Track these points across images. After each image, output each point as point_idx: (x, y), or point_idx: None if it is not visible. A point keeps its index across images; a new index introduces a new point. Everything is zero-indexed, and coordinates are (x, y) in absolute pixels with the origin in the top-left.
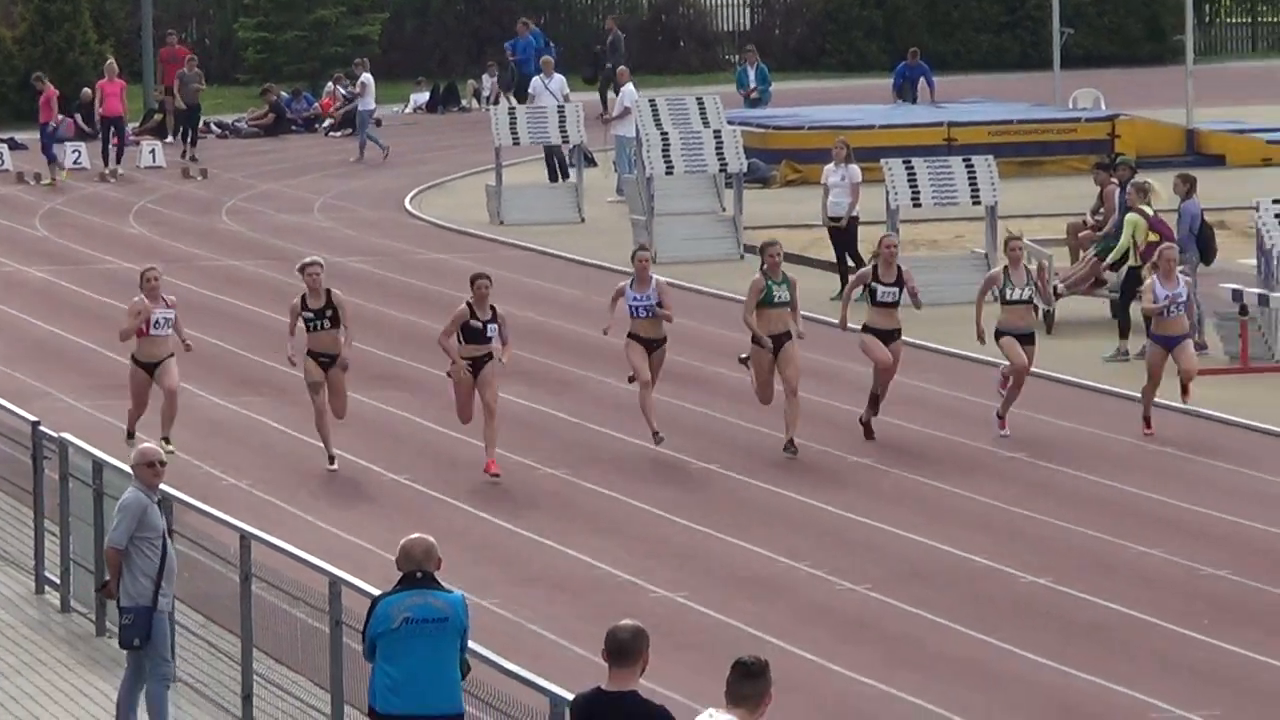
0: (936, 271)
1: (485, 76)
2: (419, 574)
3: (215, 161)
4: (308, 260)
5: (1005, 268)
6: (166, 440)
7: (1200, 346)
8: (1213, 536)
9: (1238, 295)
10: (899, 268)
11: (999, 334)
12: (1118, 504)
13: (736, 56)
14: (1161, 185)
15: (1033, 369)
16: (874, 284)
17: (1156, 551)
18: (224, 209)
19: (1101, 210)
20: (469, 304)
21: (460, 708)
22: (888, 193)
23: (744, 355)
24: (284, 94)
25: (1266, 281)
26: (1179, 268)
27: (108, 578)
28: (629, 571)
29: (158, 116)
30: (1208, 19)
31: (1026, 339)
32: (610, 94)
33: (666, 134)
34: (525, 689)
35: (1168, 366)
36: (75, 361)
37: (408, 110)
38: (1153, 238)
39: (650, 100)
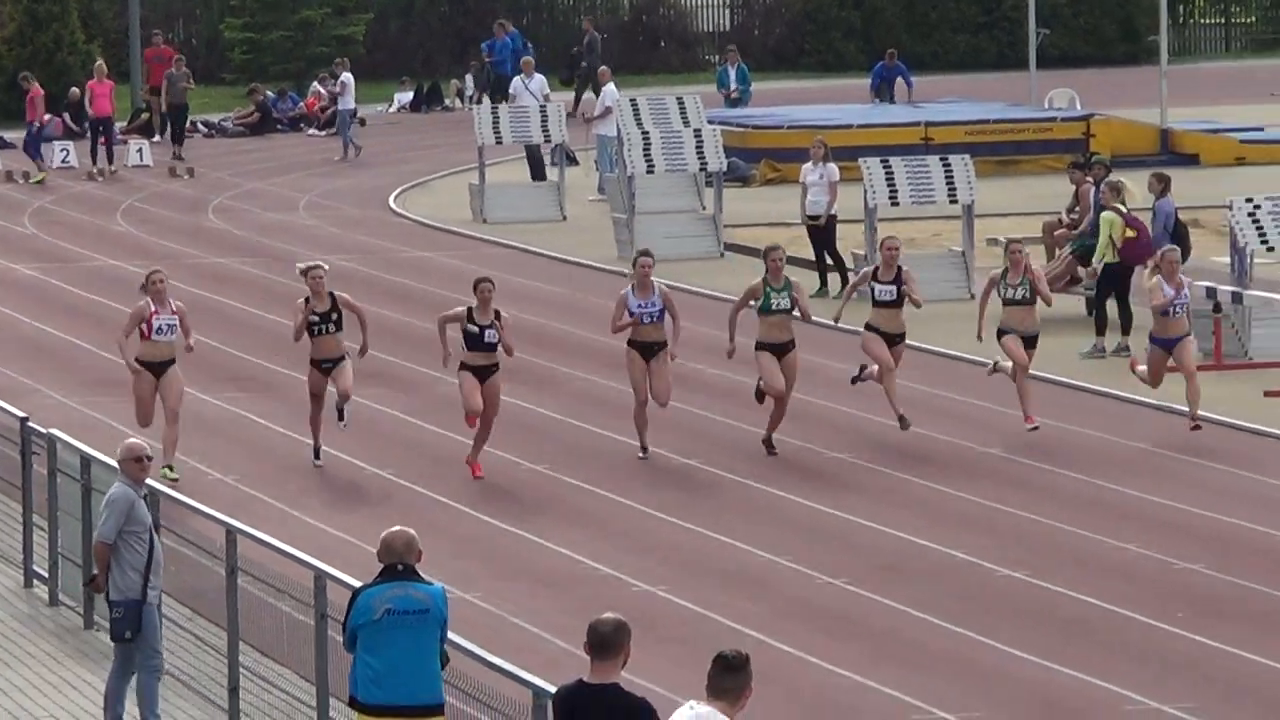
0: (914, 270)
1: (468, 76)
2: (400, 566)
3: (201, 160)
4: (311, 264)
5: (1005, 269)
6: (170, 469)
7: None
8: (1187, 531)
9: (1211, 293)
10: (899, 268)
11: (1000, 333)
12: (1093, 499)
13: (717, 57)
14: (1136, 184)
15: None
16: (874, 283)
17: (1132, 546)
18: (210, 207)
19: (1077, 209)
20: (470, 308)
21: (440, 698)
22: (866, 192)
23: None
24: (270, 94)
25: (1240, 279)
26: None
27: (96, 572)
28: (611, 566)
29: (144, 116)
30: (1182, 20)
31: (1028, 341)
32: (589, 94)
33: (647, 133)
34: (508, 681)
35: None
36: (63, 358)
37: (392, 110)
38: (1130, 234)
39: (631, 100)
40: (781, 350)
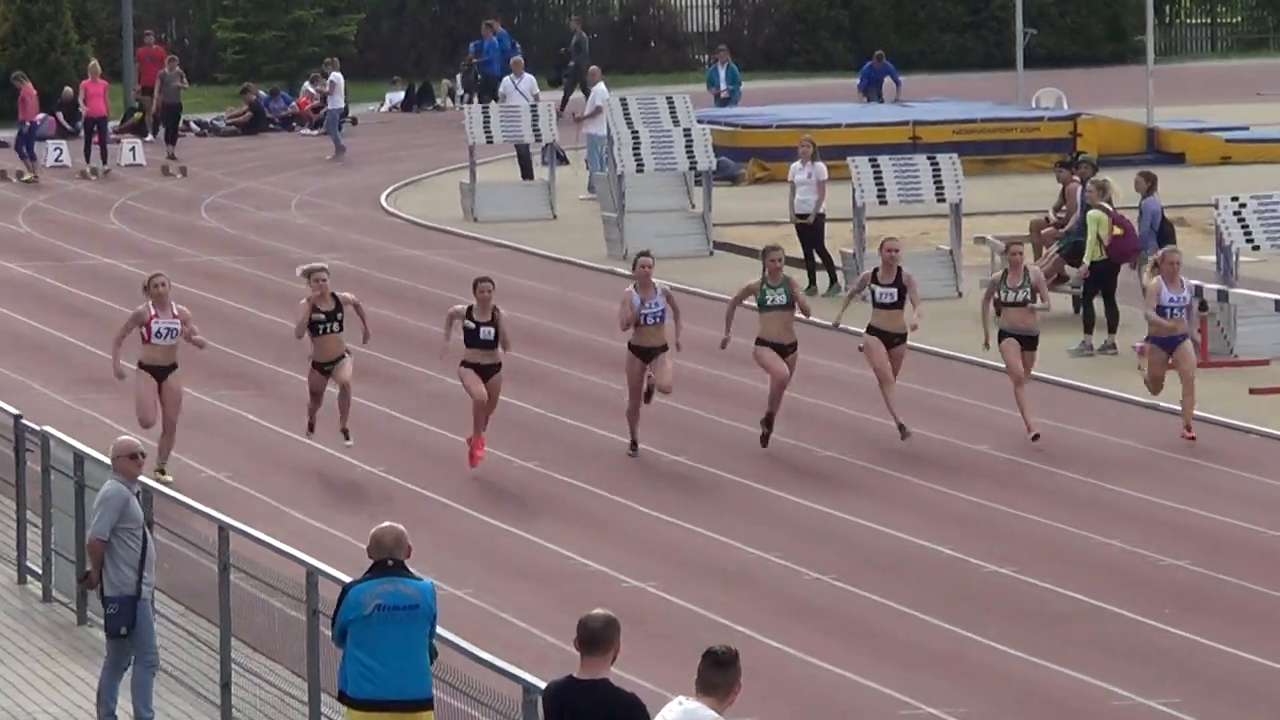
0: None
1: (460, 76)
2: (390, 562)
3: (194, 159)
4: (315, 265)
5: (1005, 271)
6: (162, 471)
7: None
8: (1173, 528)
9: (1198, 291)
10: (899, 270)
11: (1001, 335)
12: (1080, 496)
13: (706, 56)
14: (1122, 184)
15: (1001, 366)
16: (874, 285)
17: (1117, 542)
18: (203, 206)
19: (1064, 208)
20: (470, 306)
21: (430, 693)
22: (854, 190)
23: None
24: (262, 93)
25: (1225, 278)
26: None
27: (89, 568)
28: (601, 562)
29: (137, 115)
30: (1168, 20)
31: (1028, 342)
32: (577, 93)
33: (637, 132)
34: (498, 677)
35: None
36: (57, 356)
37: (384, 109)
38: (1117, 232)
39: (621, 99)
40: (781, 351)
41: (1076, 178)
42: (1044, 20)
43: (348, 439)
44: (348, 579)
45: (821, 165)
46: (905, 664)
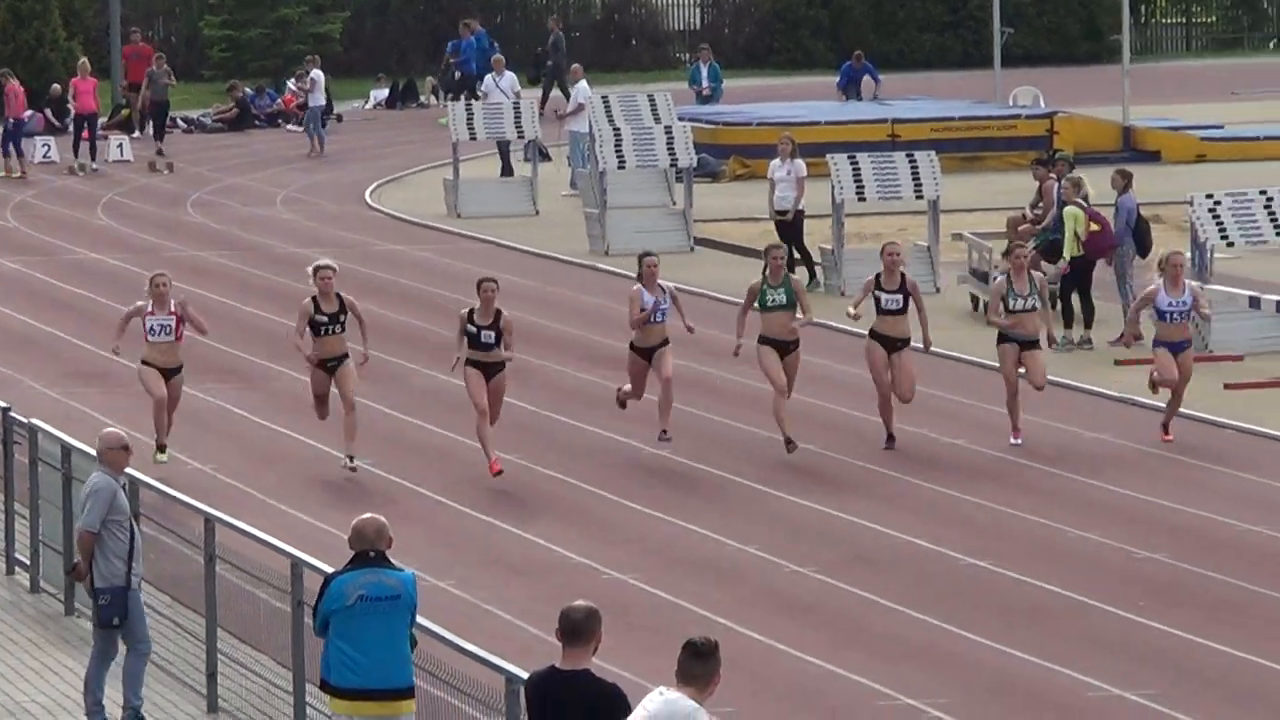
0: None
1: (439, 76)
2: (372, 553)
3: (181, 156)
4: (321, 263)
5: (1008, 275)
6: (163, 449)
7: (1136, 338)
8: (1148, 521)
9: None
10: (902, 275)
11: (1001, 338)
12: (1056, 490)
13: (687, 55)
14: (1098, 181)
15: (981, 360)
16: (878, 291)
17: (1093, 535)
18: (190, 202)
19: (1040, 204)
20: (472, 309)
21: (411, 681)
22: (833, 187)
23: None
24: (248, 90)
25: (1200, 274)
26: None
27: (77, 559)
28: (582, 554)
29: (125, 112)
30: (1143, 19)
31: (1030, 344)
32: (556, 92)
33: (619, 130)
34: (481, 667)
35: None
36: (45, 349)
37: (368, 106)
38: (1094, 228)
39: (603, 97)
40: (783, 348)
41: (1053, 175)
42: (1021, 20)
43: (351, 462)
44: (331, 570)
45: (801, 162)
46: (884, 656)
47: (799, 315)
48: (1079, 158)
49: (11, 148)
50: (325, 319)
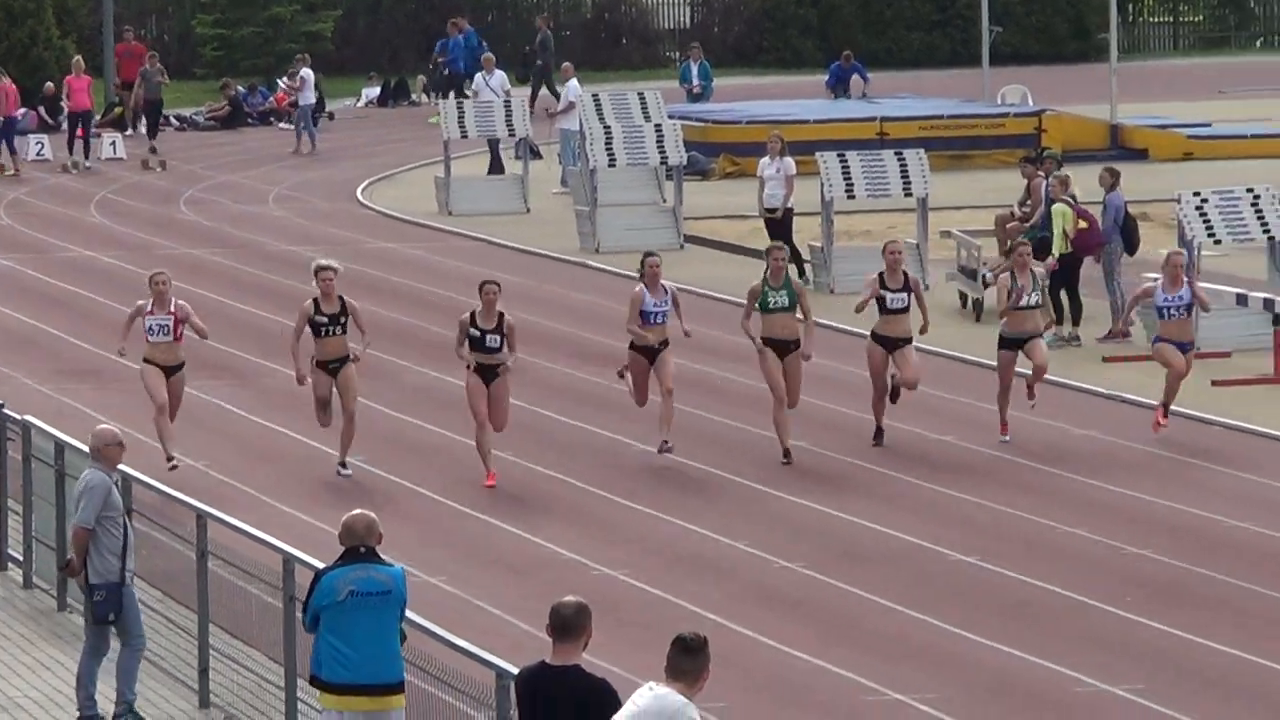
0: (869, 261)
1: (428, 76)
2: (362, 549)
3: (174, 153)
4: (322, 263)
5: (1012, 272)
6: (170, 459)
7: (1124, 334)
8: (1136, 517)
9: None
10: (905, 274)
11: (1001, 340)
12: (1043, 486)
13: (677, 53)
14: (1086, 179)
15: (969, 357)
16: (883, 291)
17: (1082, 531)
18: (182, 199)
19: (1028, 202)
20: (473, 311)
21: (402, 676)
22: (822, 185)
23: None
24: (240, 88)
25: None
26: (1110, 266)
27: (71, 555)
28: (573, 550)
29: (117, 110)
30: (1131, 18)
31: (1031, 338)
32: (544, 91)
33: (609, 128)
34: (472, 663)
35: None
36: (38, 346)
37: (360, 104)
38: (1082, 225)
39: (594, 95)
40: (784, 348)
41: (1041, 173)
42: (1009, 18)
43: (345, 469)
44: (322, 566)
45: (790, 160)
46: (873, 651)
47: (798, 316)
48: (1067, 156)
49: (4, 145)
50: (325, 319)
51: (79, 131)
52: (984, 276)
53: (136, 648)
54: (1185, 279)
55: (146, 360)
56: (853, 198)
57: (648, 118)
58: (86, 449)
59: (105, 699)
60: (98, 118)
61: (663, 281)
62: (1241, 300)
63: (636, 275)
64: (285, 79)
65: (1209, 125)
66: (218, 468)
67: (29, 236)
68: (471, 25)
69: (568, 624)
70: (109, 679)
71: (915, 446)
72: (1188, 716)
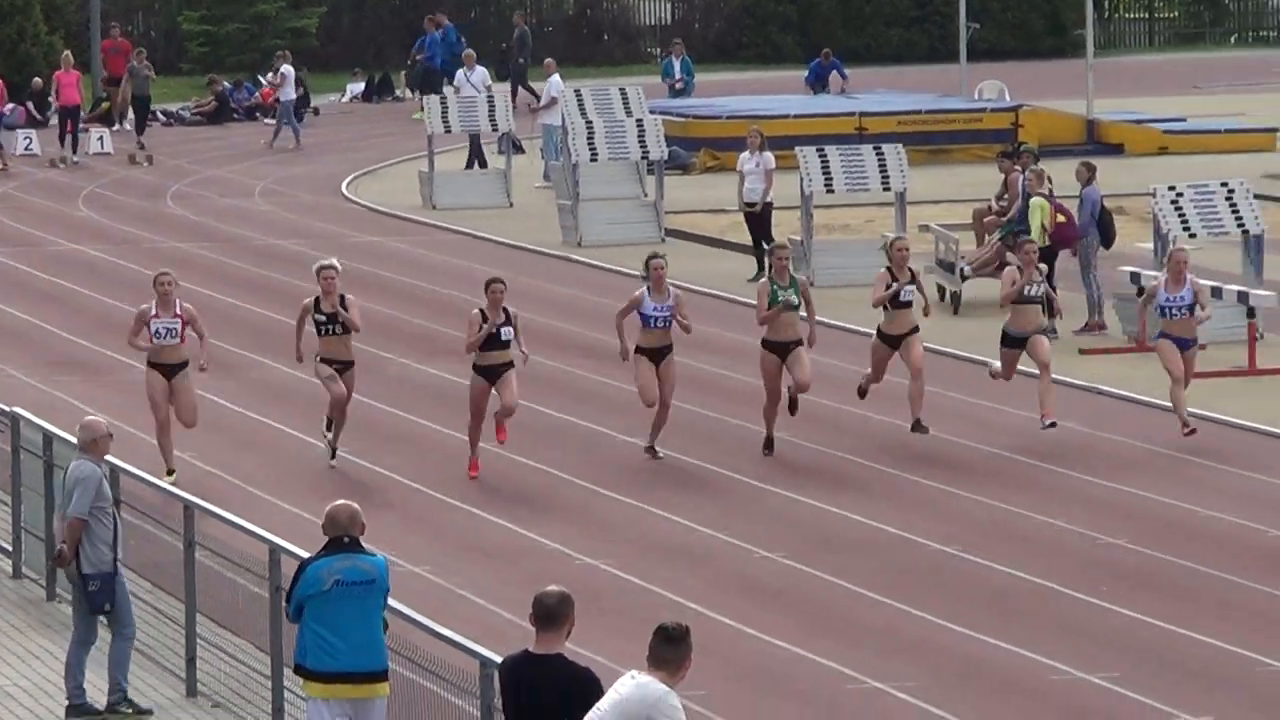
0: (848, 255)
1: (406, 72)
2: (346, 539)
3: (161, 148)
4: (323, 263)
5: (1018, 266)
6: (170, 473)
7: (1100, 327)
8: (1111, 508)
9: (1135, 277)
10: (911, 270)
11: (1005, 336)
12: (1019, 477)
13: (658, 49)
14: (1063, 174)
15: (950, 350)
16: (893, 285)
17: (1058, 521)
18: (169, 194)
19: (1006, 196)
20: (482, 310)
21: (386, 664)
22: (802, 179)
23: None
24: (227, 84)
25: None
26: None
27: (62, 546)
28: (555, 540)
29: (105, 105)
30: (1107, 14)
31: (1033, 334)
32: (523, 92)
33: (591, 123)
34: (456, 652)
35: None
36: (27, 339)
37: (344, 100)
38: (1060, 219)
39: (576, 91)
40: (786, 349)
41: (1018, 168)
42: (986, 15)
43: (333, 457)
44: (307, 556)
45: (769, 155)
46: (851, 639)
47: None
48: (1043, 150)
49: None
50: (324, 318)
51: (68, 127)
52: (962, 270)
53: (128, 636)
54: (1188, 278)
55: (151, 364)
56: (832, 192)
57: (629, 113)
58: (74, 440)
59: (93, 687)
60: (85, 113)
61: (669, 284)
62: (1216, 293)
63: (641, 276)
64: (270, 74)
65: (1184, 120)
66: (205, 459)
67: (17, 231)
68: (454, 22)
69: (551, 613)
70: (96, 668)
71: (893, 438)
72: (1164, 704)
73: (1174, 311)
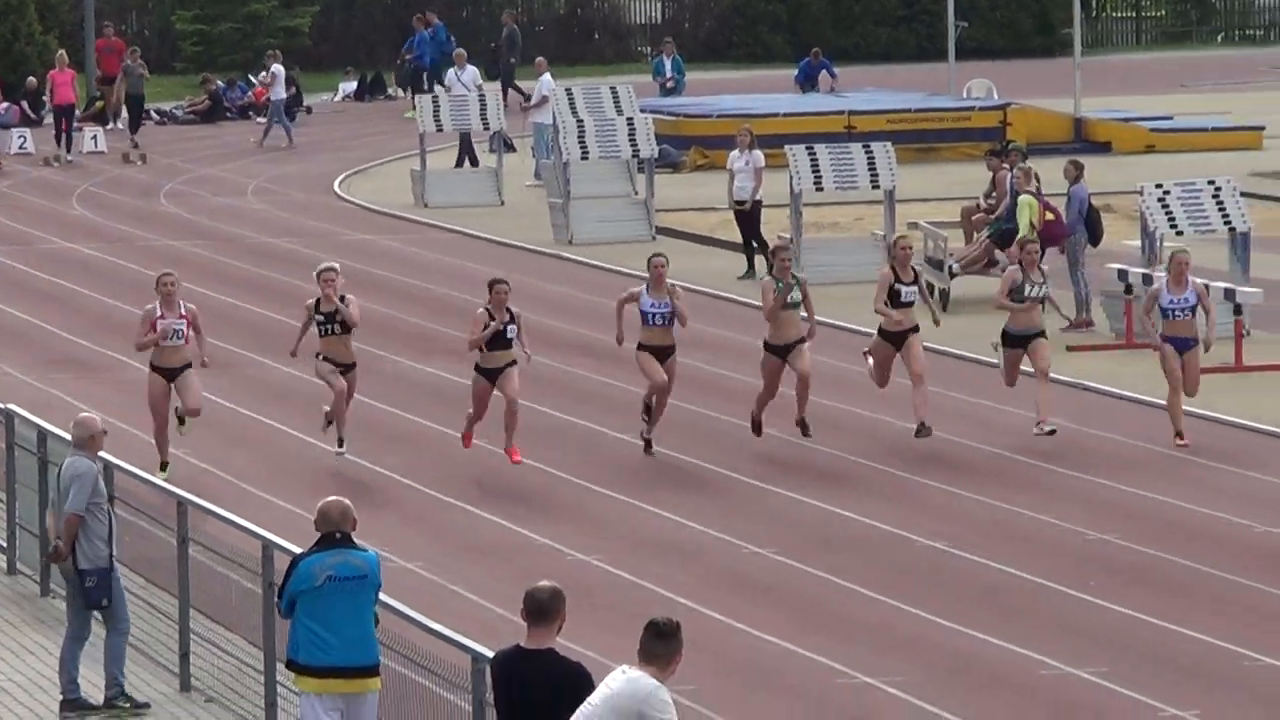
0: (837, 253)
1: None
2: (338, 534)
3: (154, 147)
4: (324, 266)
5: (1021, 265)
6: (164, 466)
7: (1087, 324)
8: (1100, 504)
9: (1123, 275)
10: (914, 269)
11: (1006, 336)
12: (1008, 474)
13: (649, 48)
14: (1051, 172)
15: (933, 347)
16: (897, 285)
17: (1047, 518)
18: (162, 192)
19: (994, 194)
20: (486, 309)
21: (377, 659)
22: (791, 177)
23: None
24: (220, 83)
25: (1150, 262)
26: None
27: (57, 542)
28: (547, 536)
29: (98, 104)
30: (1094, 13)
31: (1035, 335)
32: (513, 93)
33: (582, 121)
34: (448, 647)
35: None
36: (21, 337)
37: (337, 99)
38: (1049, 217)
39: (567, 89)
40: (786, 350)
41: (1006, 166)
42: (975, 14)
43: (340, 445)
44: (300, 551)
45: (759, 153)
46: (841, 634)
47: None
48: (1031, 149)
49: None
50: (323, 318)
51: (63, 126)
52: (950, 267)
53: (123, 631)
54: (1189, 279)
55: (154, 367)
56: (821, 190)
57: (620, 111)
58: (69, 437)
59: (87, 682)
60: (79, 112)
61: (669, 282)
62: None
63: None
64: (263, 74)
65: (1171, 119)
66: (198, 456)
67: (12, 229)
68: (445, 20)
69: (542, 608)
70: (90, 663)
71: (882, 434)
72: (1153, 699)
73: (1176, 313)
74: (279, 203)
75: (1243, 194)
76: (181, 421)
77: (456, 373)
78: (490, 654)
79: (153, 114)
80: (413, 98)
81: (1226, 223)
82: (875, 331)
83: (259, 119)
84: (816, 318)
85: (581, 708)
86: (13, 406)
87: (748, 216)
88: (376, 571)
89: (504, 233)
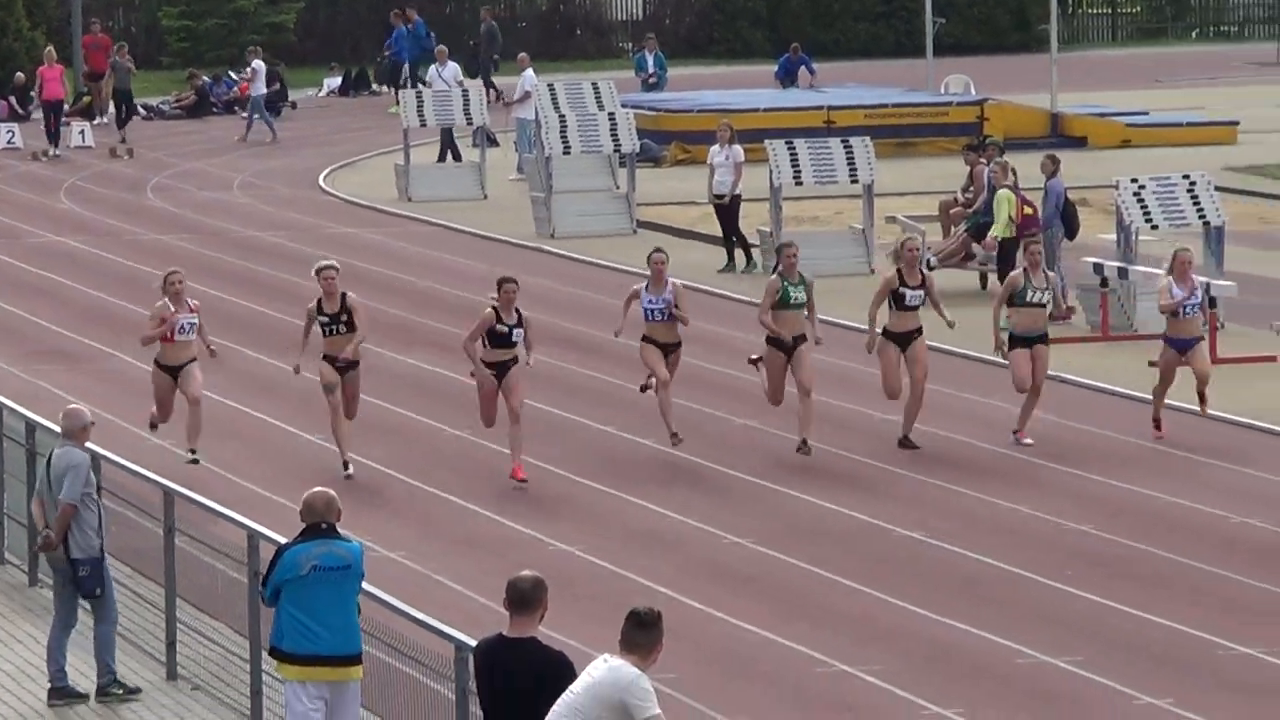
0: (817, 247)
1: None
2: (323, 525)
3: (141, 142)
4: (323, 264)
5: (1025, 270)
6: (193, 452)
7: (1065, 316)
8: (1076, 494)
9: (1099, 268)
10: (921, 271)
11: (1011, 338)
12: (986, 465)
13: (630, 44)
14: (1028, 166)
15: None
16: (901, 289)
17: (1025, 509)
18: (149, 186)
19: (971, 189)
20: (494, 308)
21: (360, 647)
22: (771, 172)
23: (755, 356)
24: (206, 79)
25: (1125, 255)
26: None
27: (48, 532)
28: (529, 526)
29: (86, 99)
30: (1071, 10)
31: (1039, 339)
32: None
33: (564, 116)
34: (431, 636)
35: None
36: (9, 330)
37: (322, 94)
38: (1027, 211)
39: (549, 85)
40: (790, 348)
41: (983, 160)
42: (953, 10)
43: (347, 469)
44: (285, 541)
45: (739, 148)
46: (820, 623)
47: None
48: (1008, 143)
49: None
50: (327, 318)
51: (52, 121)
52: (928, 260)
53: (112, 619)
54: (1194, 277)
55: (159, 365)
56: (800, 184)
57: (601, 106)
58: (57, 429)
59: (75, 671)
60: (68, 107)
61: (669, 279)
62: None
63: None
64: (245, 70)
65: (1146, 114)
66: (185, 446)
67: (0, 223)
68: (426, 17)
69: (525, 597)
70: (78, 651)
71: (861, 427)
72: (1128, 687)
73: (1185, 311)
74: (264, 197)
75: (1217, 188)
76: (193, 452)
77: (439, 365)
78: (473, 643)
79: (139, 109)
80: (395, 93)
81: (1201, 217)
82: (880, 332)
83: (244, 114)
84: (817, 316)
85: (563, 696)
86: (1, 398)
87: (727, 210)
88: (360, 562)
89: (487, 226)
